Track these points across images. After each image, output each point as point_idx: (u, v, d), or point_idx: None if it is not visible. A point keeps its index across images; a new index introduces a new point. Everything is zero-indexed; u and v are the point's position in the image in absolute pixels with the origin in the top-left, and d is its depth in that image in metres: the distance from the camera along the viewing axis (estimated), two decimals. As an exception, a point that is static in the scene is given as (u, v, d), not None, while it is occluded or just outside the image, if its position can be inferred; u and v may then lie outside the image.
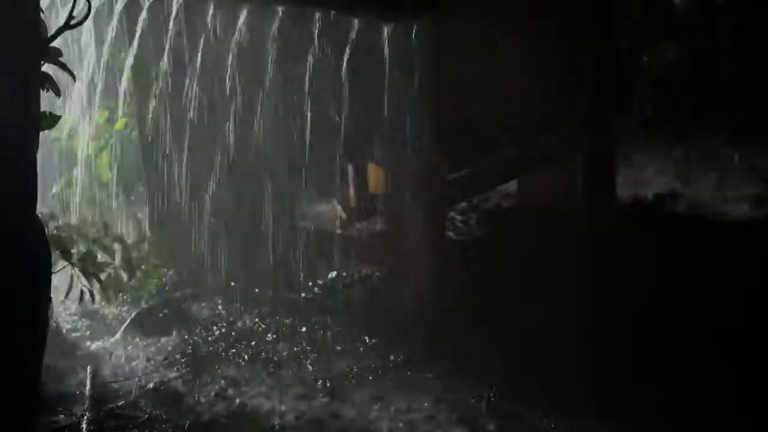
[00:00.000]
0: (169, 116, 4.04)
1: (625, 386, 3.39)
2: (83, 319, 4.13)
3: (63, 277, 3.70)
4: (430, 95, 3.65)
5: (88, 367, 3.63)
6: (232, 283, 4.23)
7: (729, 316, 3.76)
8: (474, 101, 3.83)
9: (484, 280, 4.04)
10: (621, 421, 3.21)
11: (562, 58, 4.18)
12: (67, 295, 3.77)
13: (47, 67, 2.49)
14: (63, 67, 2.54)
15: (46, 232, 2.69)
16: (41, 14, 2.43)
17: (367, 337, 3.82)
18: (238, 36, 3.67)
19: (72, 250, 3.71)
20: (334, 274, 4.28)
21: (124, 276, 4.05)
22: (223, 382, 3.58)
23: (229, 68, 3.75)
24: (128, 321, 4.05)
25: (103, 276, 3.81)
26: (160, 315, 4.09)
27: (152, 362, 3.76)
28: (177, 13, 3.73)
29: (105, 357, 3.82)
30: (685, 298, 3.89)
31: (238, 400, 3.46)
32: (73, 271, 3.71)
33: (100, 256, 3.88)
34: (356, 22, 3.49)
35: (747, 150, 5.44)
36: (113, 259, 4.01)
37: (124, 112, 4.35)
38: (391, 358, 3.68)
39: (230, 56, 3.72)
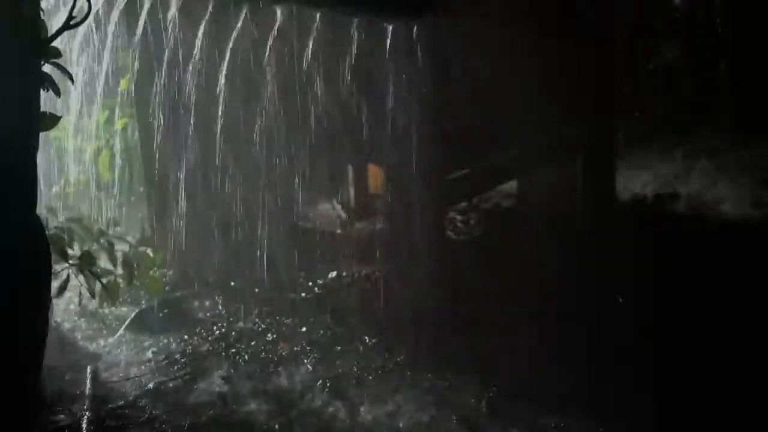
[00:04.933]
0: (169, 116, 4.03)
1: (624, 386, 3.39)
2: (83, 319, 4.13)
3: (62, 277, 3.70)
4: (430, 95, 3.65)
5: (88, 367, 3.63)
6: (232, 283, 4.24)
7: (729, 316, 3.76)
8: (474, 101, 3.83)
9: (484, 279, 4.04)
10: (621, 420, 3.22)
11: (561, 58, 4.18)
12: (60, 293, 3.74)
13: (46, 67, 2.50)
14: (61, 68, 2.55)
15: (46, 232, 2.70)
16: (41, 14, 2.44)
17: (367, 337, 3.82)
18: (236, 35, 3.67)
19: (71, 251, 3.71)
20: (334, 274, 4.28)
21: (122, 281, 4.04)
22: (222, 381, 3.58)
23: (228, 68, 3.75)
24: (128, 320, 4.06)
25: (103, 280, 3.81)
26: (160, 314, 4.10)
27: (152, 362, 3.76)
28: (177, 13, 3.74)
29: (105, 356, 3.82)
30: (684, 298, 3.89)
31: (236, 401, 3.47)
32: (71, 271, 3.71)
33: (100, 258, 3.88)
34: (356, 22, 3.49)
35: (748, 149, 5.43)
36: (112, 259, 4.00)
37: (125, 111, 4.36)
38: (392, 358, 3.68)
39: (229, 56, 3.72)
